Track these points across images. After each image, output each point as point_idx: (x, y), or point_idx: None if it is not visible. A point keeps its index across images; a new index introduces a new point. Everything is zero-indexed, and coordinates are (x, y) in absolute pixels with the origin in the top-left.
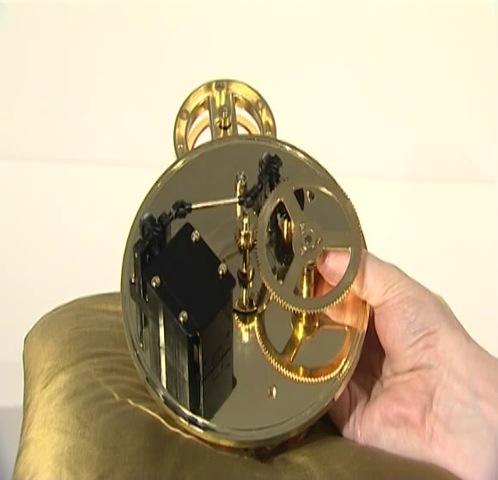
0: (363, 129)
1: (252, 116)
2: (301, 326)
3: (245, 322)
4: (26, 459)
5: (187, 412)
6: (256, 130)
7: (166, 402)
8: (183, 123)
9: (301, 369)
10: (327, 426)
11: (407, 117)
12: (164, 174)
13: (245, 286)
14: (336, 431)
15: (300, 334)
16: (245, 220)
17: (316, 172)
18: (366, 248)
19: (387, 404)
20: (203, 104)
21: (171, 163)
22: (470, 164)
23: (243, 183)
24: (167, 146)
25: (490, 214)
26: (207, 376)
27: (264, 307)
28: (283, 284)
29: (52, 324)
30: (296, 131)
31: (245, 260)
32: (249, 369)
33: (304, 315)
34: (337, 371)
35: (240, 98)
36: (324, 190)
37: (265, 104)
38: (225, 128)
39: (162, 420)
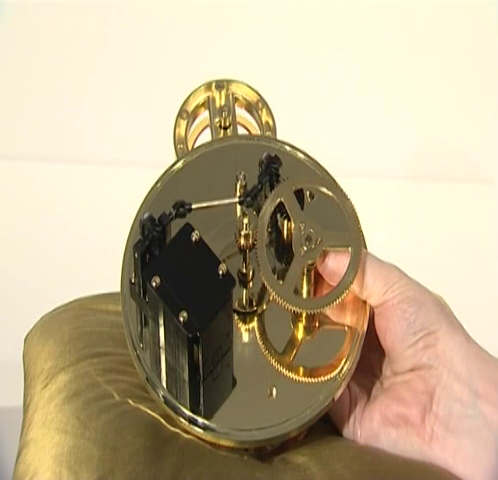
0: (363, 129)
1: (252, 116)
2: (301, 326)
3: (245, 322)
4: (26, 459)
5: (187, 412)
6: (256, 130)
7: (166, 402)
8: (183, 123)
9: (301, 369)
10: (327, 426)
11: (407, 117)
12: (164, 174)
13: (245, 286)
14: (336, 431)
15: (300, 334)
16: (245, 220)
17: (316, 172)
18: (366, 248)
19: (387, 404)
20: (203, 104)
21: (171, 163)
22: (470, 164)
23: (243, 183)
24: (167, 146)
25: (490, 214)
26: (207, 376)
27: (264, 307)
28: (283, 284)
29: (52, 324)
30: (296, 131)
31: (245, 260)
32: (249, 369)
33: (304, 315)
34: (337, 371)
35: (240, 98)
36: (324, 190)
37: (265, 104)
38: (225, 128)
39: (162, 420)
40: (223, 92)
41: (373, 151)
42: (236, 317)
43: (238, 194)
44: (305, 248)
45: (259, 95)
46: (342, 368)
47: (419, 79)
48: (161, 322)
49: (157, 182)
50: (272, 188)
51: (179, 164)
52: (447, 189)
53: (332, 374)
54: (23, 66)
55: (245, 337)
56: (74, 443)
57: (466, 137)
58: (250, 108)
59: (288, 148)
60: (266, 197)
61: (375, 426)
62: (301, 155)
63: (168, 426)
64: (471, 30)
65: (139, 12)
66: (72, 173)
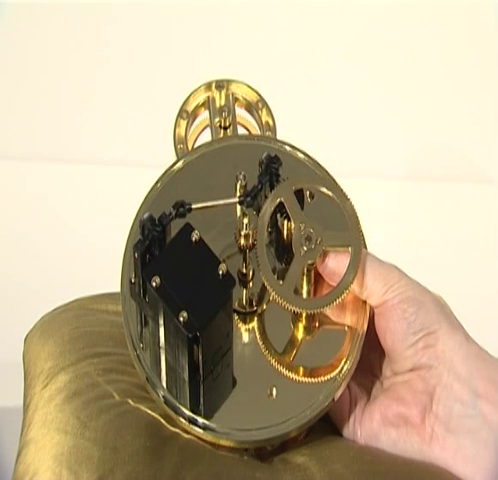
0: (363, 129)
1: (252, 116)
2: (301, 326)
3: (245, 322)
4: (26, 459)
5: (187, 412)
6: (256, 130)
7: (166, 402)
8: (183, 123)
9: (301, 369)
10: (327, 426)
11: (407, 117)
12: (164, 174)
13: (245, 286)
14: (336, 431)
15: (300, 334)
16: (245, 220)
17: (316, 172)
18: (366, 248)
19: (387, 404)
20: (203, 104)
21: (171, 163)
22: (470, 164)
23: (243, 183)
24: (167, 146)
25: (490, 214)
26: (207, 376)
27: (264, 307)
28: (283, 284)
29: (52, 324)
30: (296, 131)
31: (245, 260)
32: (249, 369)
33: (304, 315)
34: (337, 371)
35: (240, 98)
36: (324, 190)
37: (265, 104)
38: (225, 128)
39: (162, 420)
40: (223, 92)
41: (373, 151)
42: (236, 317)
43: (238, 194)
44: (305, 248)
45: (259, 95)
46: (342, 368)
47: (419, 79)
48: (161, 322)
49: (157, 182)
50: (272, 188)
51: (179, 164)
52: (447, 189)
53: (332, 374)
54: (23, 66)
55: (245, 337)
56: (74, 443)
57: (466, 137)
58: (250, 108)
59: (288, 148)
60: (266, 197)
61: (375, 426)
62: (301, 155)
63: (168, 426)
64: (471, 30)
65: (139, 12)
66: (72, 173)
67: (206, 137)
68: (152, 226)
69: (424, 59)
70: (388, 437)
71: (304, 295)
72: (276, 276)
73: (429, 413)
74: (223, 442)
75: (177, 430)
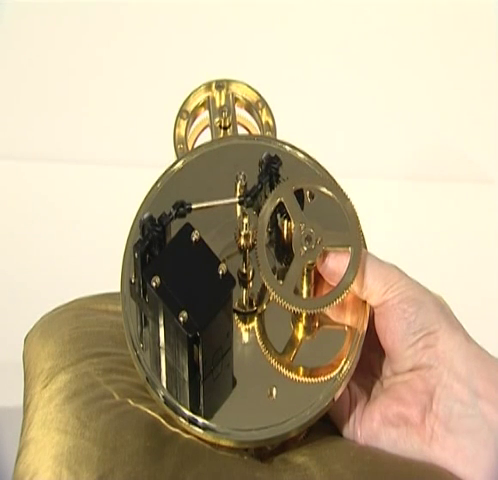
0: (363, 129)
1: (252, 116)
2: (301, 326)
3: (245, 322)
4: (26, 459)
5: (187, 412)
6: (256, 130)
7: (166, 402)
8: (183, 123)
9: (301, 369)
10: (327, 426)
11: (407, 117)
12: (164, 174)
13: (245, 286)
14: (336, 431)
15: (300, 334)
16: (245, 220)
17: (316, 172)
18: (366, 248)
19: (387, 404)
20: (203, 104)
21: (171, 163)
22: (470, 164)
23: (243, 183)
24: (167, 146)
25: (490, 214)
26: (207, 376)
27: (264, 307)
28: (283, 284)
29: (52, 324)
30: (296, 131)
31: (245, 260)
32: (249, 369)
33: (304, 315)
34: (337, 371)
35: (240, 98)
36: (324, 190)
37: (265, 104)
38: (225, 128)
39: (162, 420)
40: (223, 92)
41: (373, 151)
42: (236, 317)
43: (238, 194)
44: (305, 248)
45: (259, 95)
46: (342, 368)
47: (419, 79)
48: (161, 322)
49: (157, 182)
50: (272, 188)
51: (179, 164)
52: (447, 189)
53: (332, 374)
54: (23, 66)
55: (245, 337)
56: (74, 443)
57: (466, 137)
58: (250, 108)
59: (288, 148)
60: (266, 197)
61: (375, 426)
62: (301, 155)
63: (168, 426)
64: (471, 30)
65: (139, 12)
66: (72, 173)
67: (206, 137)
68: (152, 226)
69: (424, 59)
70: (388, 437)
71: (304, 295)
72: (276, 276)
73: (429, 413)
74: (223, 442)
75: (177, 430)
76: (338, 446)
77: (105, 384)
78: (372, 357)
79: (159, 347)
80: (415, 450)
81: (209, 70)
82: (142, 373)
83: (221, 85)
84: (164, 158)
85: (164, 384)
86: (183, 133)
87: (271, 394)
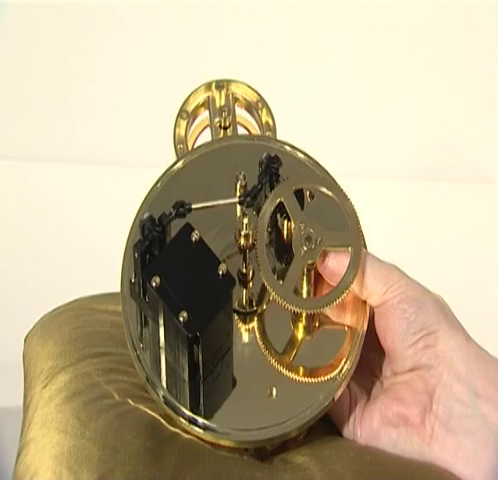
0: (363, 129)
1: (252, 116)
2: (301, 326)
3: (245, 322)
4: (26, 459)
5: (187, 412)
6: (256, 130)
7: (166, 402)
8: (183, 123)
9: (301, 369)
10: (327, 426)
11: (407, 117)
12: (164, 174)
13: (245, 286)
14: (336, 431)
15: (300, 334)
16: (245, 220)
17: (316, 172)
18: (366, 248)
19: (387, 404)
20: (203, 104)
21: (171, 163)
22: (470, 164)
23: (243, 183)
24: (167, 146)
25: (490, 214)
26: (207, 376)
27: (264, 307)
28: (283, 284)
29: (52, 324)
30: (296, 131)
31: (245, 260)
32: (249, 369)
33: (304, 315)
34: (337, 371)
35: (240, 98)
36: (324, 190)
37: (265, 104)
38: (225, 128)
39: (162, 420)
40: (223, 92)
41: (373, 151)
42: (236, 317)
43: (238, 194)
44: (305, 248)
45: (259, 95)
46: (342, 368)
47: (419, 79)
48: (161, 322)
49: (157, 182)
50: (272, 188)
51: (179, 164)
52: (447, 189)
53: (332, 374)
54: (23, 66)
55: (245, 337)
56: (74, 443)
57: (466, 137)
58: (250, 108)
59: (288, 148)
60: (266, 197)
61: (375, 426)
62: (301, 155)
63: (168, 426)
64: (471, 30)
65: (139, 13)
66: (72, 173)
67: (206, 137)
68: (152, 226)
69: (424, 59)
70: (388, 437)
71: (304, 295)
72: (276, 276)
73: (429, 413)
74: (223, 442)
75: (177, 430)
76: (338, 446)
77: (105, 384)
78: (372, 357)
79: (159, 347)
80: (415, 450)
81: (209, 70)
82: (142, 373)
83: (221, 85)
84: (164, 158)
85: (164, 384)
86: (183, 133)
87: (271, 394)
